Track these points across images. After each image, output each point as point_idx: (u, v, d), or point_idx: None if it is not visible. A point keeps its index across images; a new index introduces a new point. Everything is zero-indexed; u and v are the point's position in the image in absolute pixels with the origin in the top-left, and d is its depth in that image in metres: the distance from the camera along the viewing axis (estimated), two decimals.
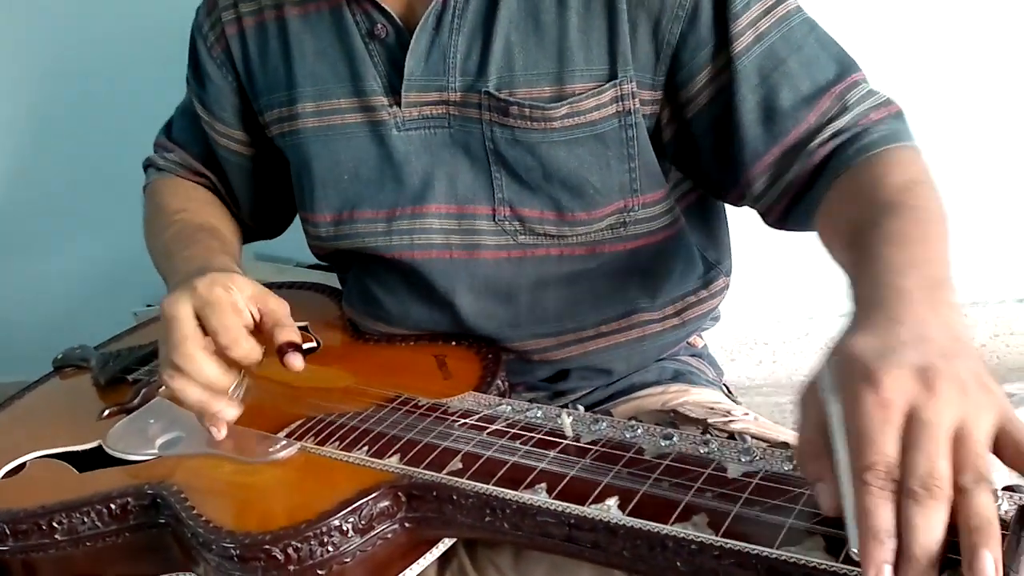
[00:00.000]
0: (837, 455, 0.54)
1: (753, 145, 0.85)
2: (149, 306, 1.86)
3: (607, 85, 0.86)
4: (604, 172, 0.88)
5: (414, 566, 0.72)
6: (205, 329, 0.79)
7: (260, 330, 0.82)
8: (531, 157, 0.88)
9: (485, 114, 0.89)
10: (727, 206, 1.02)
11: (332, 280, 1.18)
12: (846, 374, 0.55)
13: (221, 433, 0.82)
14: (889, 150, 0.80)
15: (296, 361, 0.81)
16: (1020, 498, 0.56)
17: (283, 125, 0.99)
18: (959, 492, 0.51)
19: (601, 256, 0.92)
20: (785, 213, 0.88)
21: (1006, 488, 0.57)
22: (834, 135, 0.83)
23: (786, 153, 0.84)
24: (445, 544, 0.74)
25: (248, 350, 0.80)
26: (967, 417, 0.52)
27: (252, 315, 0.82)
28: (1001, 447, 0.53)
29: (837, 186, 0.80)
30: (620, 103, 0.86)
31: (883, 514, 0.51)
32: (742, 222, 1.02)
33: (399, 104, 0.92)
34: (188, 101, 1.10)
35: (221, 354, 0.80)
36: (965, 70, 1.68)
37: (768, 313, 1.93)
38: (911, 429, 0.52)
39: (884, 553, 0.50)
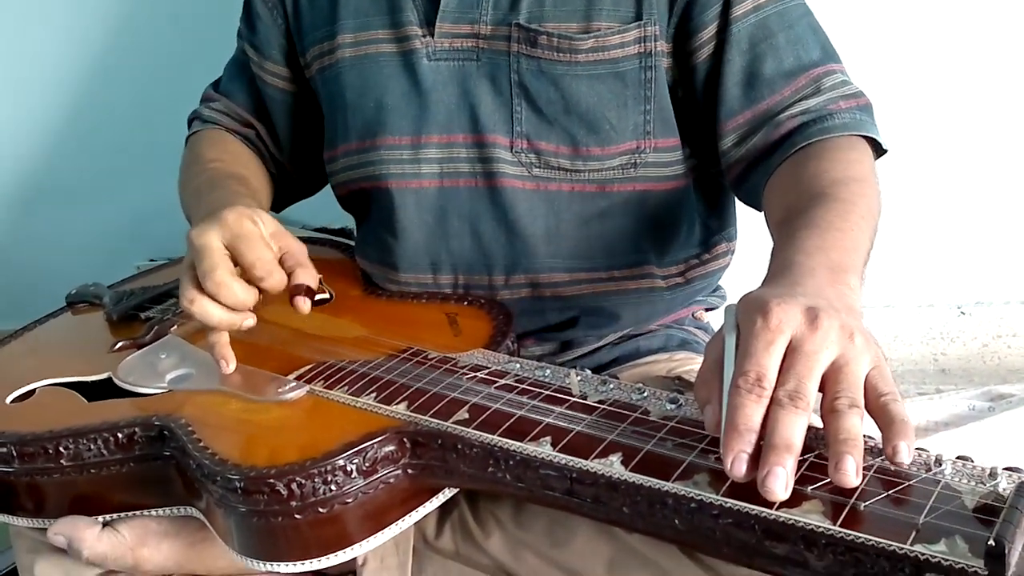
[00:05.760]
0: (726, 381, 0.61)
1: (730, 104, 0.92)
2: (152, 260, 1.87)
3: (631, 25, 0.91)
4: (621, 110, 0.92)
5: (413, 513, 0.73)
6: (236, 260, 0.81)
7: (280, 266, 0.84)
8: (554, 89, 0.92)
9: (514, 46, 0.93)
10: None
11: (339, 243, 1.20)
12: (744, 311, 0.63)
13: (230, 367, 0.83)
14: (843, 138, 0.87)
15: (303, 305, 0.83)
16: (1019, 477, 0.57)
17: (323, 60, 1.03)
18: (834, 413, 0.58)
19: (610, 196, 0.96)
20: (742, 175, 0.93)
21: (1007, 468, 0.58)
22: (802, 112, 0.89)
23: (756, 117, 0.91)
24: (446, 494, 0.75)
25: (279, 280, 0.82)
26: (847, 355, 0.59)
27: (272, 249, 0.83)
28: (867, 391, 0.60)
29: (785, 170, 0.87)
30: (642, 44, 0.91)
31: (746, 411, 0.58)
32: None
33: (432, 35, 0.96)
34: (238, 53, 1.14)
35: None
36: (966, 72, 1.68)
37: None
38: (789, 355, 0.59)
39: (742, 444, 0.57)
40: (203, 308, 0.81)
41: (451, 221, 0.98)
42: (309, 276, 0.84)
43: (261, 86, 1.11)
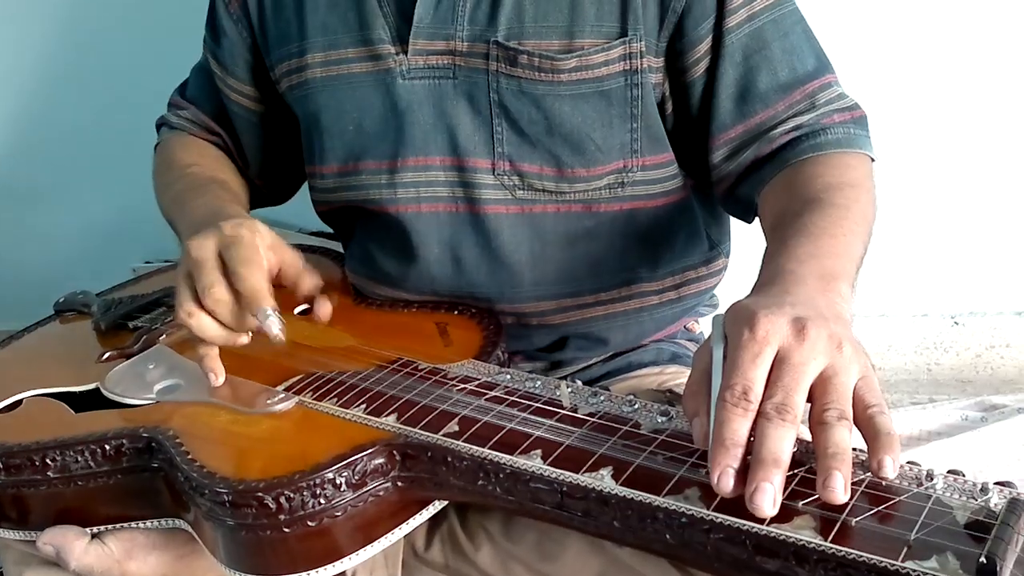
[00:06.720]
0: (713, 393, 0.60)
1: (722, 118, 0.90)
2: (148, 262, 1.87)
3: (616, 42, 0.88)
4: (606, 130, 0.90)
5: (403, 526, 0.73)
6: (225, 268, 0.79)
7: (279, 279, 0.83)
8: (536, 110, 0.90)
9: (492, 64, 0.90)
10: None
11: (334, 247, 1.18)
12: (732, 321, 0.62)
13: (219, 380, 0.82)
14: (837, 154, 0.86)
15: (326, 307, 0.85)
16: (1011, 492, 0.56)
17: (292, 78, 1.00)
18: (822, 425, 0.57)
19: (598, 215, 0.94)
20: (732, 188, 0.92)
21: (998, 483, 0.58)
22: (794, 128, 0.88)
23: (748, 132, 0.90)
24: (435, 507, 0.74)
25: (255, 284, 0.78)
26: (836, 365, 0.59)
27: (269, 261, 0.82)
28: (854, 402, 0.59)
29: (779, 178, 0.86)
30: (628, 61, 0.88)
31: (733, 425, 0.57)
32: None
33: (406, 53, 0.92)
34: (203, 60, 1.11)
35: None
36: (961, 81, 1.68)
37: None
38: (776, 367, 0.59)
39: (728, 458, 0.57)
40: (200, 323, 0.80)
41: (430, 248, 0.95)
42: (315, 282, 0.85)
43: (225, 101, 1.09)
